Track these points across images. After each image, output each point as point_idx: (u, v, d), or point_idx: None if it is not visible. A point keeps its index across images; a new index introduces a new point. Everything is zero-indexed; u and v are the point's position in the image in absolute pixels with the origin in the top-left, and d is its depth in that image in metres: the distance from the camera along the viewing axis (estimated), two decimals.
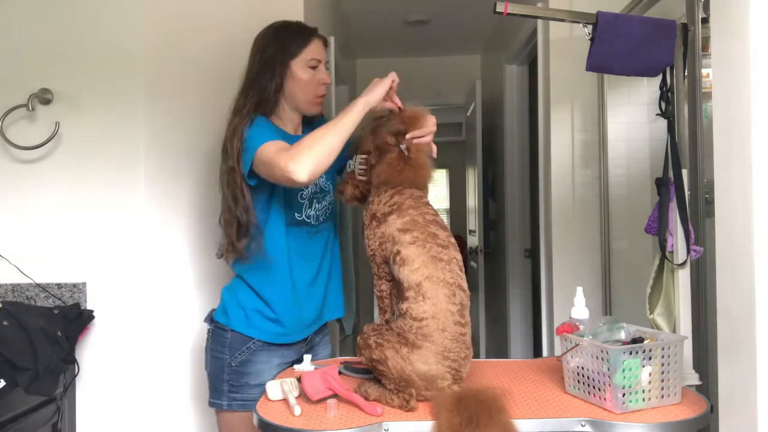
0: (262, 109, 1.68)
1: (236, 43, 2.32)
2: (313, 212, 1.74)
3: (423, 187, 1.57)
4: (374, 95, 1.59)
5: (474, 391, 1.28)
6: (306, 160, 1.45)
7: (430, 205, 1.52)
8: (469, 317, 1.39)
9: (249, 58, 1.75)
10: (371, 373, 1.53)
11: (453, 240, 1.46)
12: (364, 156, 1.61)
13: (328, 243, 1.82)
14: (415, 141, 1.57)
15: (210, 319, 1.76)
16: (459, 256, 1.43)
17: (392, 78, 1.64)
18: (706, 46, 1.67)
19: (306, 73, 1.70)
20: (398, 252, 1.40)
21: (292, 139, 1.67)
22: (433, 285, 1.35)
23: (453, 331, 1.34)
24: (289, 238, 1.70)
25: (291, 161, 1.45)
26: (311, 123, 1.83)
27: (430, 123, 1.62)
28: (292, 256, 1.71)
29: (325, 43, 1.79)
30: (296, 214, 1.70)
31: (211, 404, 1.73)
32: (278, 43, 1.69)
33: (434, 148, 1.64)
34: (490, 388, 1.31)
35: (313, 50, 1.72)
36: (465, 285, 1.41)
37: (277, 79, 1.68)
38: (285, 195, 1.69)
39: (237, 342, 1.68)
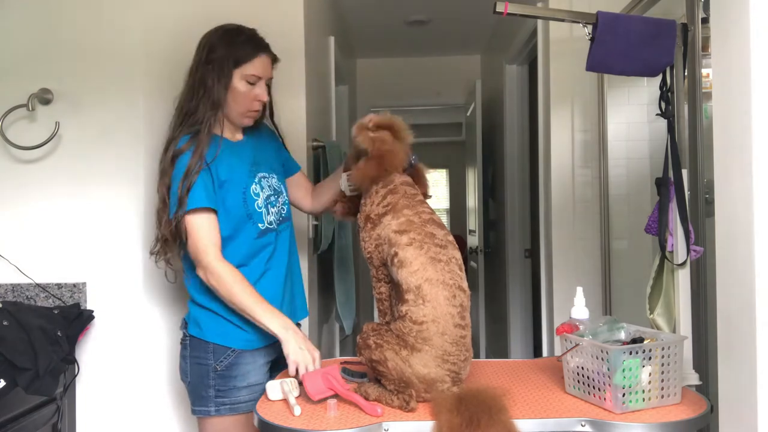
0: (211, 114, 1.68)
1: None
2: (272, 217, 1.75)
3: (395, 171, 1.51)
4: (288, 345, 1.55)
5: (474, 391, 1.28)
6: (215, 285, 1.60)
7: (426, 203, 1.50)
8: (469, 319, 1.38)
9: (195, 55, 1.75)
10: (367, 377, 1.53)
11: (451, 238, 1.45)
12: (350, 173, 1.62)
13: (291, 243, 1.83)
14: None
15: (185, 327, 1.74)
16: (458, 255, 1.42)
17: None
18: (706, 46, 1.67)
19: (243, 86, 1.70)
20: (396, 254, 1.39)
21: (232, 147, 1.72)
22: (433, 287, 1.34)
23: (453, 335, 1.33)
24: (257, 249, 1.71)
25: (208, 272, 1.60)
26: (257, 126, 1.85)
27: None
28: (262, 265, 1.72)
29: (274, 61, 1.77)
30: (260, 224, 1.71)
31: (195, 412, 1.69)
32: (227, 47, 1.69)
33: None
34: (490, 388, 1.31)
35: (257, 65, 1.70)
36: (465, 285, 1.39)
37: (223, 81, 1.68)
38: (245, 210, 1.69)
39: (219, 349, 1.67)
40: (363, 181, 1.51)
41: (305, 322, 2.32)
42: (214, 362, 1.66)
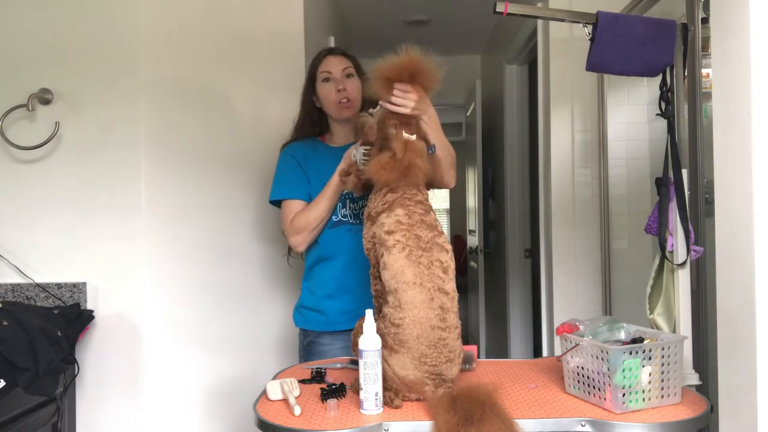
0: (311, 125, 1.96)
1: (237, 43, 2.33)
2: (348, 211, 1.85)
3: (416, 186, 1.48)
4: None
5: (466, 389, 1.28)
6: (302, 240, 1.83)
7: (424, 203, 1.46)
8: (453, 320, 1.36)
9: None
10: None
11: (441, 239, 1.41)
12: (367, 147, 1.57)
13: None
14: (386, 105, 1.57)
15: None
16: (444, 257, 1.39)
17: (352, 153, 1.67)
18: (706, 46, 1.67)
19: (322, 87, 1.93)
20: (382, 255, 1.39)
21: (332, 152, 1.86)
22: (410, 291, 1.33)
23: (430, 338, 1.33)
24: (331, 239, 1.85)
25: (292, 237, 1.85)
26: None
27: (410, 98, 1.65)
28: (338, 255, 1.85)
29: (348, 57, 2.05)
30: (333, 217, 1.84)
31: None
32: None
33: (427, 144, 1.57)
34: (482, 385, 1.32)
35: (325, 65, 1.96)
36: (448, 287, 1.36)
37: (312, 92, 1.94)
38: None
39: (303, 332, 1.93)
40: (378, 179, 1.46)
41: None
42: (302, 338, 1.92)
